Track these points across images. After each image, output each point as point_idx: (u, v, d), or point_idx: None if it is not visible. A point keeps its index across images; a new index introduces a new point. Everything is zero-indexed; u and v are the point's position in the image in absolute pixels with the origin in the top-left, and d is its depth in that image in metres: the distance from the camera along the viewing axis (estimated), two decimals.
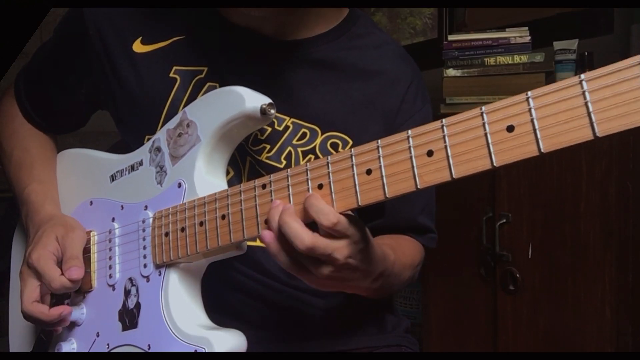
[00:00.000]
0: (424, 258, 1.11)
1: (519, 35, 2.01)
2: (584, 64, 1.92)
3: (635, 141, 1.55)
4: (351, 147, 1.00)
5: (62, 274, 0.98)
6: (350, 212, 0.75)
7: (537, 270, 1.74)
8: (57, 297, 1.04)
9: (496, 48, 2.02)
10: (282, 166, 1.01)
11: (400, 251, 0.96)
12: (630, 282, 1.57)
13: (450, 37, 2.10)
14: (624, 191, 1.58)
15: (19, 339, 1.18)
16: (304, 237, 0.72)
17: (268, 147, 1.01)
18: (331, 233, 0.73)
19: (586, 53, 1.93)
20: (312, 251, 0.73)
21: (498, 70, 2.01)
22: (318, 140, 1.02)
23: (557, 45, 1.97)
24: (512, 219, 1.79)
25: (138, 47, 1.04)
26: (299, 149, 1.01)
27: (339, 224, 0.72)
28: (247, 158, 1.02)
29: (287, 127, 1.01)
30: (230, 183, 0.96)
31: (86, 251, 1.04)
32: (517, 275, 1.77)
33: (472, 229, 1.89)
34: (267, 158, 1.01)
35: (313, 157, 1.02)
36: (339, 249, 0.73)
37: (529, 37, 2.00)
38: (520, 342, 1.79)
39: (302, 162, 1.01)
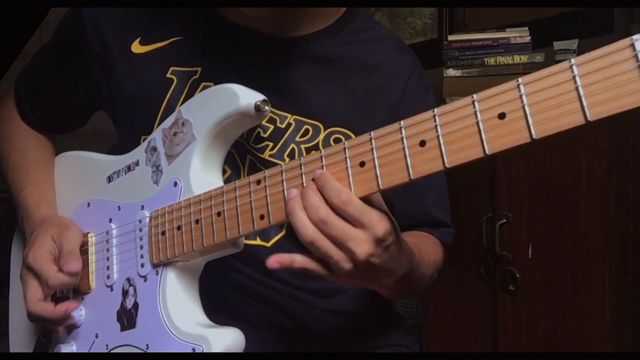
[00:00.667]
0: (443, 256, 1.09)
1: (519, 35, 2.01)
2: None
3: (635, 141, 1.55)
4: None
5: (60, 270, 0.98)
6: (381, 207, 0.73)
7: (537, 270, 1.74)
8: (56, 300, 1.04)
9: (496, 48, 2.03)
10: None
11: (423, 250, 0.95)
12: (630, 282, 1.57)
13: (450, 37, 2.11)
14: (624, 191, 1.57)
15: (19, 341, 1.18)
16: (320, 208, 0.71)
17: (271, 145, 1.01)
18: (347, 217, 0.71)
19: (586, 53, 1.93)
20: (324, 225, 0.70)
21: (498, 70, 2.01)
22: (321, 136, 1.02)
23: (557, 45, 1.96)
24: (512, 219, 1.78)
25: (136, 47, 1.04)
26: (302, 146, 1.01)
27: (351, 203, 0.70)
28: (247, 156, 1.02)
29: (289, 125, 1.01)
30: (227, 182, 0.95)
31: (84, 252, 1.04)
32: (517, 275, 1.77)
33: (472, 229, 1.89)
34: (270, 156, 1.01)
35: None
36: (357, 240, 0.70)
37: (529, 37, 2.00)
38: (520, 342, 1.78)
39: None
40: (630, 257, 1.57)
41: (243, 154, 1.02)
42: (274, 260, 0.75)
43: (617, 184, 1.58)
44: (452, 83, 2.06)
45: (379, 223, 0.71)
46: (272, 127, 1.01)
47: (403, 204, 1.06)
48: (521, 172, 1.76)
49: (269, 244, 1.02)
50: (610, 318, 1.59)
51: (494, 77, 2.02)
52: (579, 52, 1.94)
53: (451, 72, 2.07)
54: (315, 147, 1.02)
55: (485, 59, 2.03)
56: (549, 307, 1.72)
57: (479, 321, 1.90)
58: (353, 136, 1.02)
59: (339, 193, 0.70)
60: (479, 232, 1.86)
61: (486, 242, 1.84)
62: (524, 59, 1.99)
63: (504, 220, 1.79)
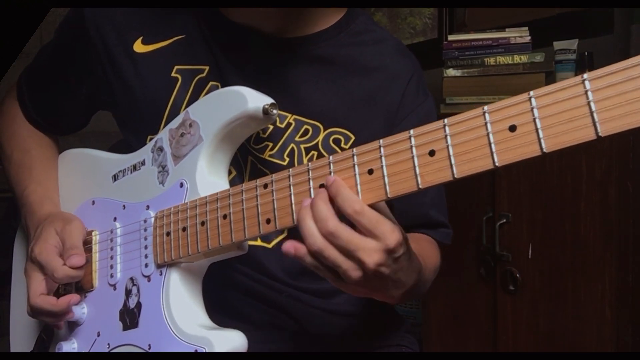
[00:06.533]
0: (440, 258, 1.08)
1: (519, 35, 2.01)
2: (584, 64, 1.92)
3: (635, 141, 1.55)
4: (353, 143, 1.00)
5: (65, 264, 0.98)
6: (391, 218, 0.72)
7: (537, 270, 1.74)
8: (58, 296, 1.04)
9: (496, 48, 2.03)
10: (285, 164, 1.01)
11: (426, 257, 0.94)
12: (630, 282, 1.57)
13: (450, 37, 2.11)
14: (624, 191, 1.58)
15: (20, 339, 1.18)
16: (329, 220, 0.70)
17: (270, 145, 1.01)
18: (359, 227, 0.70)
19: (586, 53, 1.93)
20: (332, 237, 0.70)
21: (498, 70, 2.01)
22: (320, 137, 1.02)
23: (557, 45, 1.97)
24: (512, 219, 1.79)
25: (139, 47, 1.04)
26: (302, 146, 1.02)
27: (364, 214, 0.70)
28: (248, 157, 1.02)
29: (289, 124, 1.01)
30: (232, 183, 0.96)
31: (88, 250, 1.04)
32: (517, 275, 1.77)
33: (472, 229, 1.89)
34: (270, 156, 1.01)
35: (316, 153, 1.02)
36: (366, 250, 0.70)
37: (529, 37, 2.00)
38: (520, 342, 1.79)
39: (305, 159, 1.01)
40: (630, 257, 1.57)
41: (245, 155, 1.02)
42: (290, 245, 0.74)
43: (617, 184, 1.59)
44: (452, 83, 2.07)
45: (391, 234, 0.70)
46: (271, 127, 1.01)
47: (402, 204, 1.05)
48: (521, 172, 1.77)
49: (270, 246, 1.02)
50: (610, 318, 1.60)
51: (494, 77, 2.02)
52: (579, 52, 1.95)
53: (451, 72, 2.07)
54: (315, 147, 1.02)
55: (485, 59, 2.03)
56: (549, 307, 1.72)
57: (479, 321, 1.91)
58: (352, 137, 1.03)
59: (352, 203, 0.70)
60: (479, 232, 1.87)
61: (486, 242, 1.84)
62: (524, 59, 1.99)
63: (504, 220, 1.80)
